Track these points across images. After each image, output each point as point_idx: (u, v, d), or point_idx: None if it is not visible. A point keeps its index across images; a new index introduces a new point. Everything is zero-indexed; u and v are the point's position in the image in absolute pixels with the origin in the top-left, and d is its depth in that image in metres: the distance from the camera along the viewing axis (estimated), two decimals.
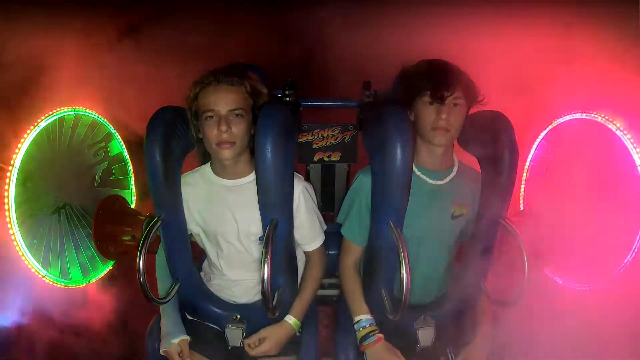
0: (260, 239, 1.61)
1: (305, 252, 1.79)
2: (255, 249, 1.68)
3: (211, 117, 1.58)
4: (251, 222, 1.65)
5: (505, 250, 1.70)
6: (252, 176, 1.66)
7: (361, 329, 1.69)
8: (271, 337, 1.69)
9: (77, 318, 2.03)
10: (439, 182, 1.69)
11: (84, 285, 2.15)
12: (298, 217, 1.69)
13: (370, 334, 1.67)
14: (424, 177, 1.68)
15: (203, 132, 1.60)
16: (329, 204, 2.28)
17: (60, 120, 2.05)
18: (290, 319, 1.71)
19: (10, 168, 1.80)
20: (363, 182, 1.68)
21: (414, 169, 1.65)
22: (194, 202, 1.70)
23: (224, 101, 1.57)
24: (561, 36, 1.92)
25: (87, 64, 2.00)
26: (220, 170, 1.69)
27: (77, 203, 2.19)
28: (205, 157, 1.74)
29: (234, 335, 1.72)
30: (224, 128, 1.56)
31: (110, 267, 2.32)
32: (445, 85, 1.57)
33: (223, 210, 1.68)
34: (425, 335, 1.71)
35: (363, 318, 1.70)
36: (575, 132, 2.10)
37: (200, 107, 1.60)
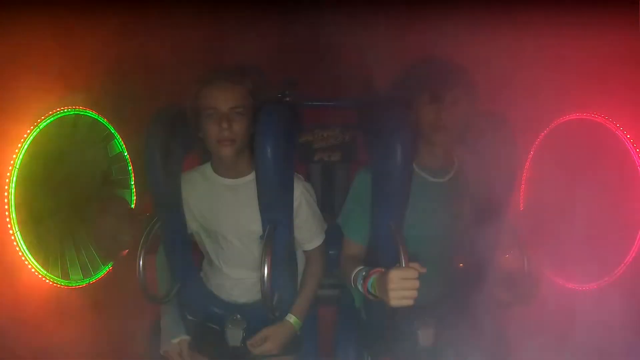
0: (261, 237, 1.62)
1: (305, 251, 1.79)
2: (256, 248, 1.68)
3: (212, 114, 1.58)
4: (251, 221, 1.66)
5: (506, 250, 1.70)
6: (252, 175, 1.67)
7: (361, 279, 1.53)
8: (273, 337, 1.69)
9: (77, 318, 2.03)
10: (440, 180, 1.69)
11: (84, 285, 2.14)
12: (298, 217, 1.69)
13: (367, 275, 1.51)
14: (425, 175, 1.68)
15: (203, 130, 1.60)
16: (329, 204, 2.28)
17: (60, 120, 2.05)
18: (292, 318, 1.71)
19: (10, 168, 1.80)
20: (363, 180, 1.68)
21: (415, 167, 1.65)
22: (194, 200, 1.70)
23: (225, 99, 1.58)
24: (561, 36, 1.92)
25: (88, 63, 2.00)
26: (221, 169, 1.70)
27: (77, 203, 2.18)
28: (206, 156, 1.74)
29: (234, 335, 1.72)
30: (225, 125, 1.56)
31: (110, 267, 2.32)
32: (443, 84, 1.58)
33: (223, 208, 1.68)
34: (426, 335, 1.71)
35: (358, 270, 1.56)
36: (575, 132, 2.10)
37: (201, 105, 1.60)
